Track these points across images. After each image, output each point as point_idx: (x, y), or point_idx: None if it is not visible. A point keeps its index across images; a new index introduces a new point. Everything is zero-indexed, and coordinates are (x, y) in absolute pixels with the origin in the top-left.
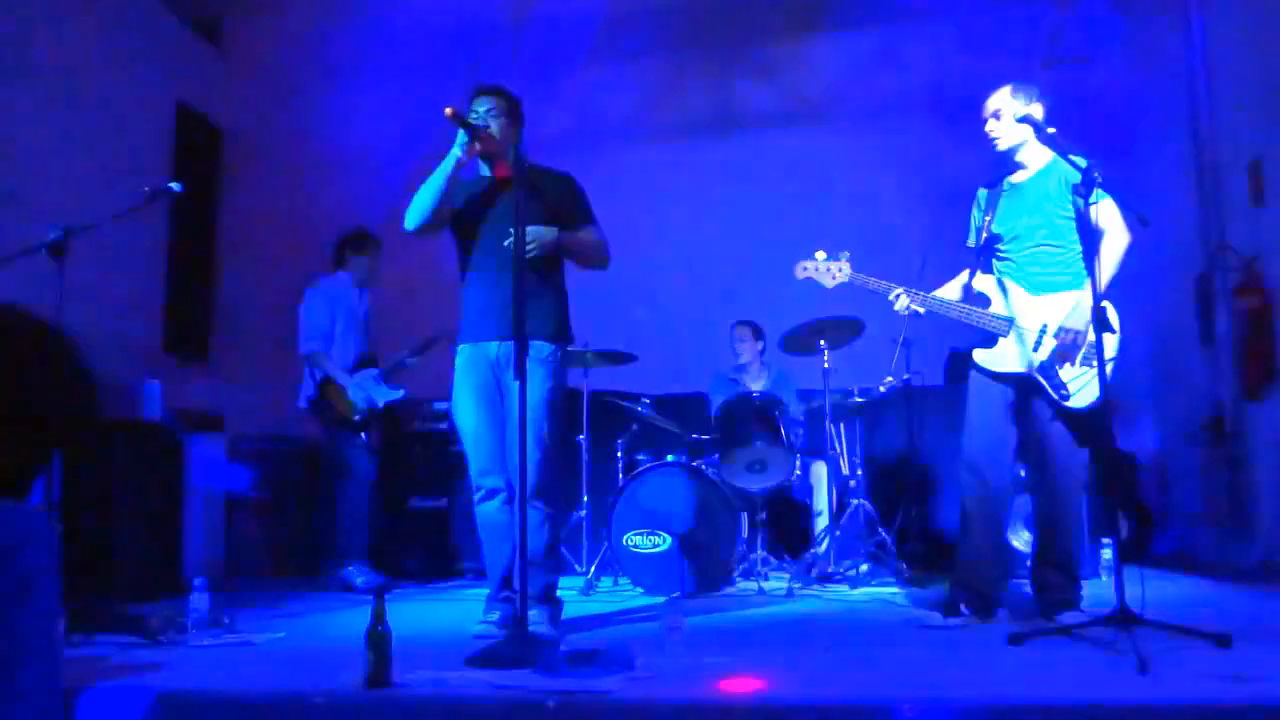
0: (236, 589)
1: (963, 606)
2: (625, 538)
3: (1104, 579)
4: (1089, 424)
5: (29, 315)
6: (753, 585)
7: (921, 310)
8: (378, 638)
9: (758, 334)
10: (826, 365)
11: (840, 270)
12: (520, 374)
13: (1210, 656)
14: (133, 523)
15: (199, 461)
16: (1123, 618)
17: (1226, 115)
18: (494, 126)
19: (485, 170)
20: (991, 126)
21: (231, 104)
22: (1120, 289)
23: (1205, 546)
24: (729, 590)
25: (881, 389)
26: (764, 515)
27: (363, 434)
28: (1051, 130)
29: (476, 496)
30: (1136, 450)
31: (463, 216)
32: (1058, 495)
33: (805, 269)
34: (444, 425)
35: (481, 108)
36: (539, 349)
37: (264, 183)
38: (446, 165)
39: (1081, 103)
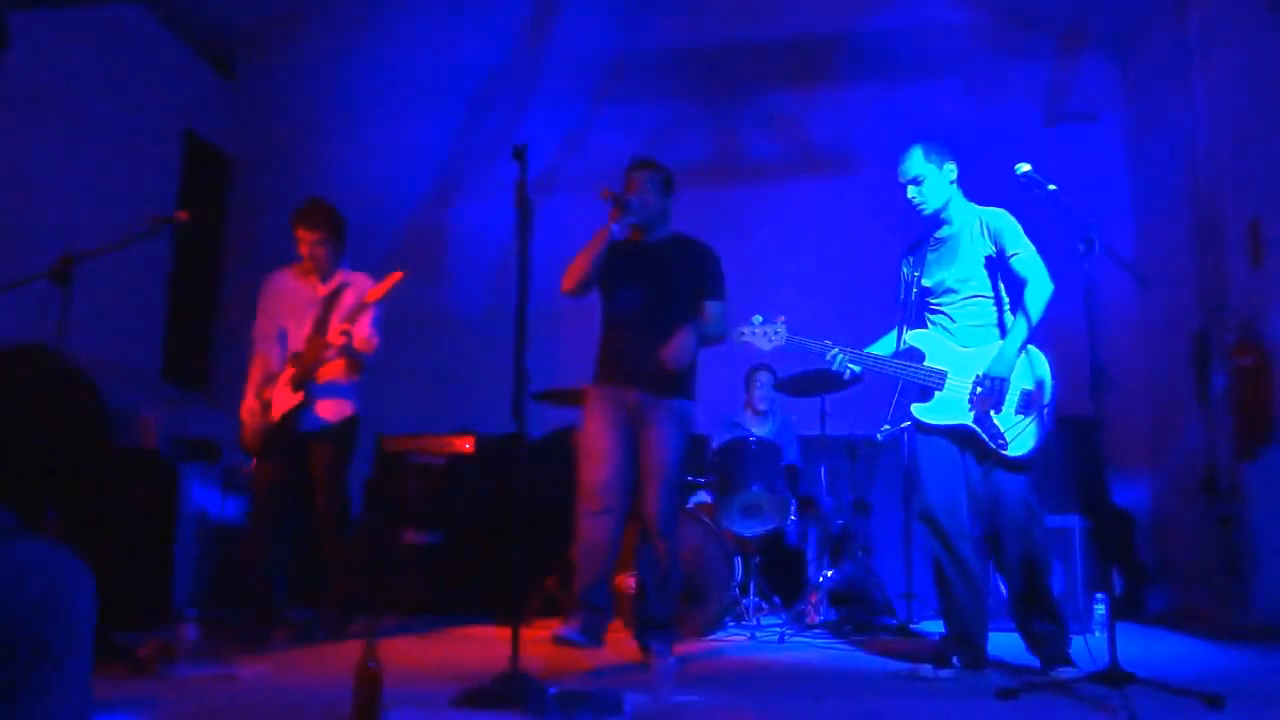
0: (226, 620)
1: (954, 658)
2: (618, 579)
3: (1097, 634)
4: (1029, 471)
5: (55, 356)
6: (745, 631)
7: (857, 369)
8: (366, 675)
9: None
10: (828, 416)
11: (776, 334)
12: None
13: (1202, 717)
14: (124, 550)
15: (194, 490)
16: (1115, 675)
17: (1225, 175)
18: (650, 200)
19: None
20: (913, 194)
21: (241, 134)
22: (1117, 345)
23: (1200, 604)
24: (721, 635)
25: (879, 436)
26: (757, 560)
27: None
28: (1052, 187)
29: (589, 508)
30: (1132, 507)
31: (606, 275)
32: (1016, 543)
33: (744, 334)
34: (440, 460)
35: (641, 182)
36: (682, 405)
37: (270, 212)
38: (603, 240)
39: (1082, 161)
